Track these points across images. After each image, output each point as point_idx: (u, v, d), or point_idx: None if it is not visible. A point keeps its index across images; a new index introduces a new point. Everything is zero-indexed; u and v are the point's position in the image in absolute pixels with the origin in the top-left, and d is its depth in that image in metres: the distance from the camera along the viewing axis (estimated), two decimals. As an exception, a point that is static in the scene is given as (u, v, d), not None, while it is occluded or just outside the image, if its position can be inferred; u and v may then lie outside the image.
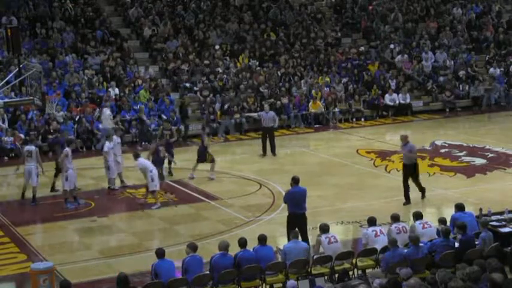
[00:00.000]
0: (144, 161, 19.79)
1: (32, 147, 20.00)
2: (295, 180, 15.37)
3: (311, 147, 26.60)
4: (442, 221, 14.23)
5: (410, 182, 18.85)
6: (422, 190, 19.03)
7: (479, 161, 22.97)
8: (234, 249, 13.27)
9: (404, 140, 18.97)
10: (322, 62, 32.82)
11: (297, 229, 14.33)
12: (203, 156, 21.90)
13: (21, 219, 18.97)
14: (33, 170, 19.67)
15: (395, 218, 14.39)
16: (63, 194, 19.81)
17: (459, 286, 9.71)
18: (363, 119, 30.41)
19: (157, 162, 20.58)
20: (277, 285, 13.30)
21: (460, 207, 14.76)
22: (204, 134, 22.58)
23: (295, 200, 15.18)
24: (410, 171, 18.80)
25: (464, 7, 38.12)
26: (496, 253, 12.77)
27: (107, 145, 20.84)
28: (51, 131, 26.07)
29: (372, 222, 14.27)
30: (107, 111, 26.91)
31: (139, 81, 29.78)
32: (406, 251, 13.14)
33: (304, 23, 35.09)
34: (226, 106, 28.96)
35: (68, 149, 19.72)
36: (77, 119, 27.15)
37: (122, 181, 21.30)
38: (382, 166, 22.81)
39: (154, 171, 19.48)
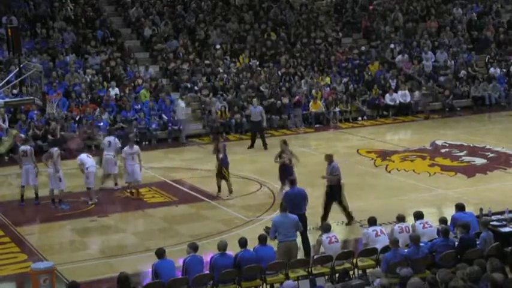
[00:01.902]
0: (85, 157, 19.82)
1: (27, 147, 19.95)
2: (291, 182, 15.53)
3: (311, 147, 26.59)
4: (442, 220, 14.24)
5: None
6: (348, 214, 17.30)
7: (479, 161, 22.97)
8: (234, 249, 13.27)
9: (329, 159, 17.49)
10: (323, 62, 32.82)
11: (285, 203, 14.64)
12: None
13: (22, 219, 18.98)
14: (30, 170, 19.67)
15: (400, 219, 14.38)
16: (59, 195, 19.74)
17: (459, 286, 9.69)
18: (365, 117, 30.40)
19: (223, 161, 19.82)
20: (277, 285, 13.29)
21: (460, 207, 14.77)
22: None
23: (295, 201, 15.19)
24: (336, 192, 17.28)
25: (464, 7, 38.12)
26: (497, 253, 12.78)
27: (125, 150, 20.28)
28: (51, 131, 26.08)
29: (372, 222, 14.28)
30: (181, 104, 27.70)
31: (140, 81, 29.79)
32: (406, 251, 13.14)
33: (304, 23, 35.09)
34: (296, 97, 29.55)
35: (57, 149, 19.72)
36: (77, 119, 27.15)
37: (115, 183, 21.12)
38: (383, 166, 22.81)
39: (91, 169, 19.53)
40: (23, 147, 20.00)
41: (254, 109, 26.32)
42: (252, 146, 25.87)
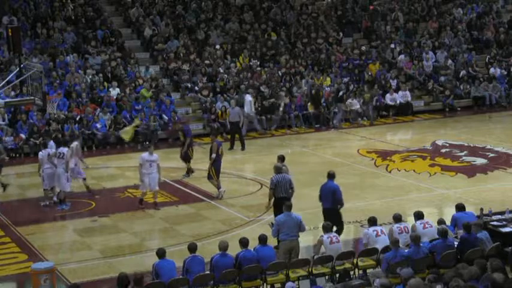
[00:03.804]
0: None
1: (64, 149, 19.94)
2: (329, 175, 15.90)
3: (312, 147, 26.59)
4: (441, 222, 14.23)
5: None
6: None
7: (480, 161, 22.97)
8: (235, 249, 13.27)
9: (276, 170, 16.44)
10: (323, 62, 32.81)
11: (290, 202, 14.79)
12: None
13: (22, 219, 18.98)
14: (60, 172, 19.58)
15: (397, 219, 14.39)
16: (60, 195, 19.79)
17: (460, 285, 9.69)
18: (365, 118, 30.37)
19: (216, 160, 19.67)
20: (278, 285, 13.30)
21: (460, 208, 14.78)
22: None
23: (325, 194, 15.66)
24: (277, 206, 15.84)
25: (464, 7, 38.13)
26: (497, 253, 12.78)
27: (143, 156, 19.24)
28: (52, 131, 26.07)
29: (372, 222, 14.27)
30: (248, 98, 28.06)
31: (140, 81, 29.80)
32: (407, 251, 13.14)
33: (304, 23, 35.09)
34: (341, 93, 29.93)
35: (68, 149, 19.77)
36: (77, 119, 27.16)
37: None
38: (383, 166, 22.81)
39: (46, 171, 19.51)
40: (44, 151, 19.94)
41: (232, 110, 26.34)
42: (231, 147, 25.63)
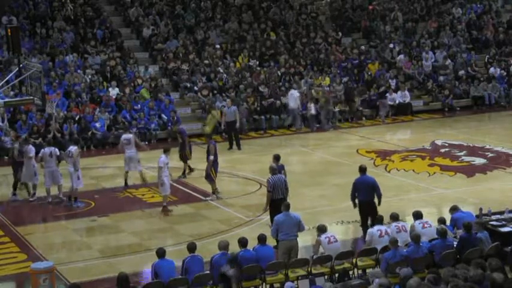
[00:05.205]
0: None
1: (51, 149, 19.93)
2: (361, 169, 16.07)
3: (311, 146, 26.58)
4: (441, 220, 14.23)
5: None
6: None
7: (479, 161, 22.97)
8: (234, 249, 13.27)
9: (271, 171, 16.26)
10: (322, 62, 32.81)
11: (288, 202, 14.69)
12: None
13: (22, 219, 18.98)
14: (54, 172, 19.76)
15: (394, 218, 14.40)
16: (69, 192, 19.82)
17: (460, 285, 9.68)
18: (363, 118, 30.39)
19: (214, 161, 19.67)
20: (277, 285, 13.30)
21: (454, 209, 14.79)
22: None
23: (363, 188, 15.84)
24: (275, 208, 15.54)
25: (464, 7, 38.16)
26: (496, 253, 12.78)
27: (162, 159, 18.71)
28: (52, 131, 26.07)
29: (378, 220, 14.29)
30: (295, 93, 28.67)
31: (139, 81, 29.80)
32: (406, 250, 13.14)
33: (304, 23, 35.10)
34: (382, 88, 30.59)
35: (77, 148, 19.83)
36: (77, 119, 27.15)
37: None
38: (382, 166, 22.81)
39: (46, 169, 19.73)
40: (46, 149, 19.97)
41: (228, 110, 26.19)
42: (230, 147, 25.73)
